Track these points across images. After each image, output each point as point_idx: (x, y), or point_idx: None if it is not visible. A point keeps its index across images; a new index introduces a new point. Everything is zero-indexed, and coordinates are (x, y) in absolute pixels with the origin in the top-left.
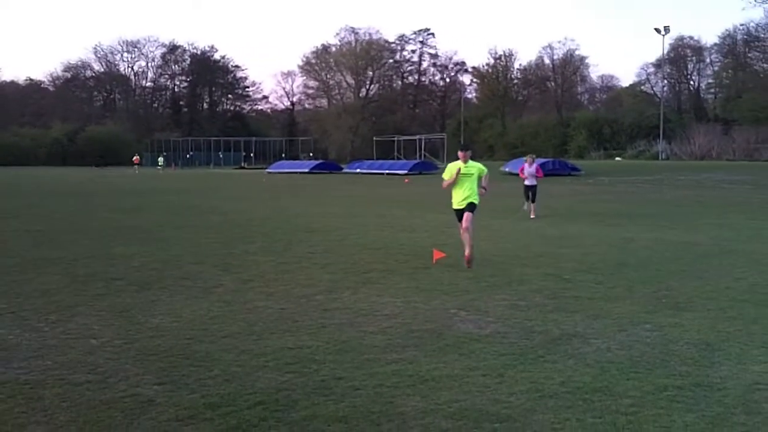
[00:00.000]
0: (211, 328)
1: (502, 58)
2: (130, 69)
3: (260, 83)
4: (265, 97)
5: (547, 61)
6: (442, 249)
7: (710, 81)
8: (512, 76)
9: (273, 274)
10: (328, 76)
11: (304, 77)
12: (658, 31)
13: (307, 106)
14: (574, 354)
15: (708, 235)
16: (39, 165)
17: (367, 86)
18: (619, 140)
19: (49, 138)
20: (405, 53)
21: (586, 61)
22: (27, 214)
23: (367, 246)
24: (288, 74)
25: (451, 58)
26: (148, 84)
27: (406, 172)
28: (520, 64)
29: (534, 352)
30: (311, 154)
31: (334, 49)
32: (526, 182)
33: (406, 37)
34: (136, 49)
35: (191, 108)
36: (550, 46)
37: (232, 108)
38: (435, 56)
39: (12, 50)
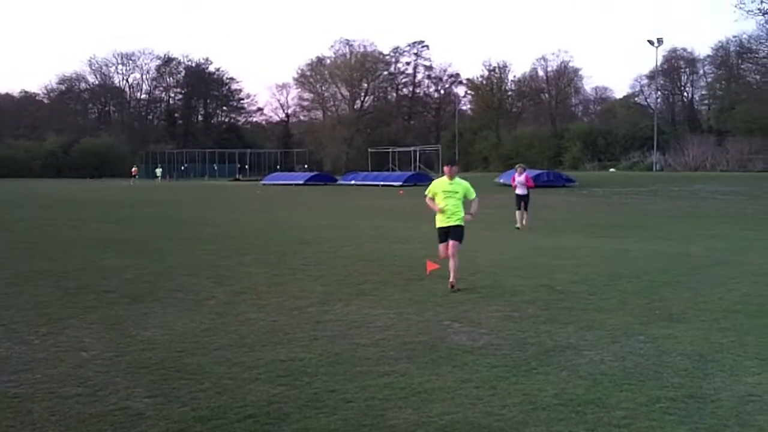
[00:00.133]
0: (203, 340)
1: (497, 70)
2: (124, 81)
3: (255, 95)
4: (260, 109)
5: (541, 72)
6: (436, 261)
7: (704, 92)
8: (506, 87)
9: (266, 286)
10: (323, 88)
11: (299, 89)
12: (651, 43)
13: (302, 118)
14: (567, 366)
15: (701, 246)
16: (34, 177)
17: (362, 98)
18: (613, 151)
19: (43, 150)
20: (399, 65)
21: (580, 72)
22: (20, 226)
23: (361, 258)
24: (283, 86)
25: (445, 70)
26: (143, 96)
27: (400, 183)
28: (514, 76)
29: (527, 364)
30: (306, 166)
31: (328, 61)
32: (517, 191)
33: (401, 49)
34: (130, 62)
35: (186, 120)
36: (544, 58)
37: (226, 120)
38: (429, 68)
39: (7, 63)
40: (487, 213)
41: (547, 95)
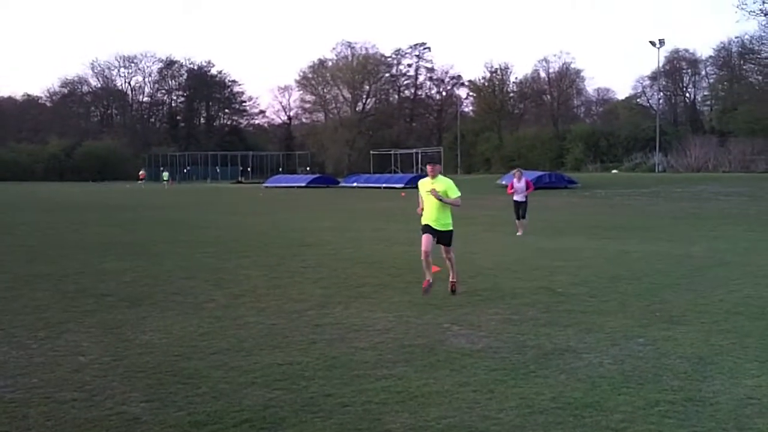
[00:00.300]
0: (201, 344)
1: (498, 72)
2: (127, 84)
3: (257, 98)
4: (262, 112)
5: (543, 74)
6: (436, 263)
7: (706, 93)
8: (508, 89)
9: (265, 289)
10: (325, 90)
11: (301, 91)
12: (653, 44)
13: (304, 120)
14: (566, 369)
15: (703, 248)
16: (36, 180)
17: (364, 100)
18: (615, 153)
19: (46, 153)
20: (401, 67)
21: (582, 74)
22: (22, 229)
23: (361, 260)
24: (285, 89)
25: (447, 72)
26: (145, 99)
27: (402, 185)
28: (516, 78)
29: (525, 367)
30: (308, 168)
31: (330, 63)
32: (516, 198)
33: (403, 51)
34: (133, 65)
35: (188, 123)
36: (546, 60)
37: (229, 122)
38: (431, 70)
39: (9, 66)
40: (488, 215)
41: (549, 97)
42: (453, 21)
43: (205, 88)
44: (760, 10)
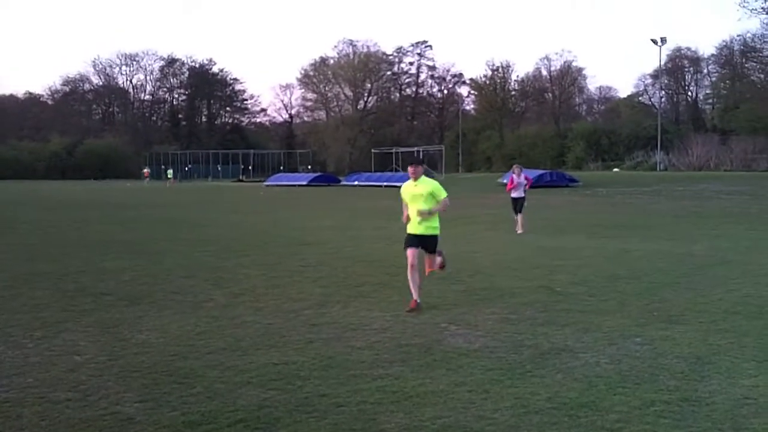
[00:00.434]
0: (197, 344)
1: (500, 70)
2: (128, 82)
3: (259, 96)
4: (264, 110)
5: (544, 72)
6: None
7: (708, 91)
8: (510, 87)
9: (264, 288)
10: (327, 88)
11: (303, 90)
12: (654, 42)
13: (305, 118)
14: (563, 368)
15: (704, 246)
16: (38, 178)
17: (365, 98)
18: (617, 151)
19: (47, 151)
20: (403, 65)
21: (584, 72)
22: (23, 228)
23: (361, 259)
24: (286, 87)
25: (448, 70)
26: (147, 97)
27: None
28: (517, 76)
29: (522, 367)
30: (309, 167)
31: (332, 61)
32: (514, 194)
33: (404, 49)
34: (134, 63)
35: (190, 121)
36: (548, 58)
37: (230, 121)
38: (433, 68)
39: (11, 64)
40: (490, 213)
41: (550, 95)
42: (455, 19)
43: (207, 86)
44: (762, 8)
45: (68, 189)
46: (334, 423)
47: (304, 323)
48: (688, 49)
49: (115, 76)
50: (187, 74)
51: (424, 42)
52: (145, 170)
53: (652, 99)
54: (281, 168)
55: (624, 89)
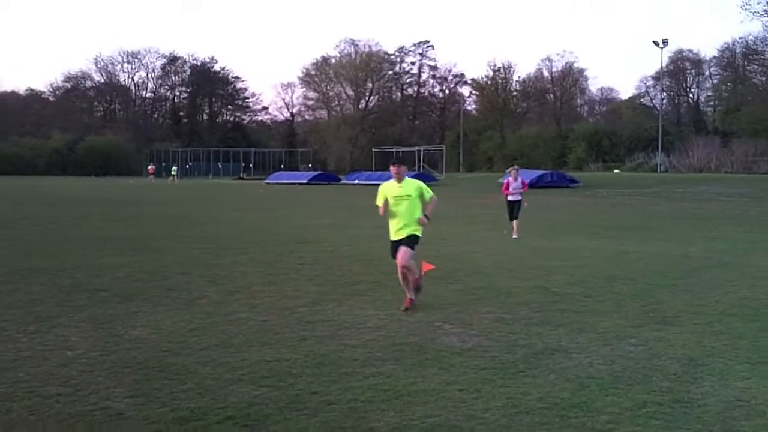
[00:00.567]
0: (190, 340)
1: (501, 71)
2: (130, 79)
3: (260, 94)
4: (265, 108)
5: (546, 73)
6: (432, 261)
7: (709, 94)
8: (511, 88)
9: (259, 286)
10: (328, 87)
11: (304, 88)
12: (656, 44)
13: (306, 117)
14: (555, 369)
15: (702, 248)
16: (39, 175)
17: (367, 98)
18: (618, 152)
19: (48, 148)
20: (404, 65)
21: (585, 73)
22: (22, 223)
23: (358, 257)
24: (288, 85)
25: (450, 70)
26: (148, 94)
27: None
28: (519, 77)
29: (515, 367)
30: (310, 165)
31: (333, 60)
32: (510, 198)
33: (406, 49)
34: (136, 60)
35: (191, 119)
36: (549, 59)
37: (231, 119)
38: (434, 68)
39: (13, 60)
40: (490, 213)
41: (552, 96)
42: (456, 19)
43: (208, 84)
44: (765, 11)
45: (69, 185)
46: (324, 421)
47: (299, 321)
48: (690, 51)
49: (116, 73)
50: (188, 72)
51: (426, 42)
52: (150, 167)
53: (653, 101)
54: (282, 166)
55: (625, 91)
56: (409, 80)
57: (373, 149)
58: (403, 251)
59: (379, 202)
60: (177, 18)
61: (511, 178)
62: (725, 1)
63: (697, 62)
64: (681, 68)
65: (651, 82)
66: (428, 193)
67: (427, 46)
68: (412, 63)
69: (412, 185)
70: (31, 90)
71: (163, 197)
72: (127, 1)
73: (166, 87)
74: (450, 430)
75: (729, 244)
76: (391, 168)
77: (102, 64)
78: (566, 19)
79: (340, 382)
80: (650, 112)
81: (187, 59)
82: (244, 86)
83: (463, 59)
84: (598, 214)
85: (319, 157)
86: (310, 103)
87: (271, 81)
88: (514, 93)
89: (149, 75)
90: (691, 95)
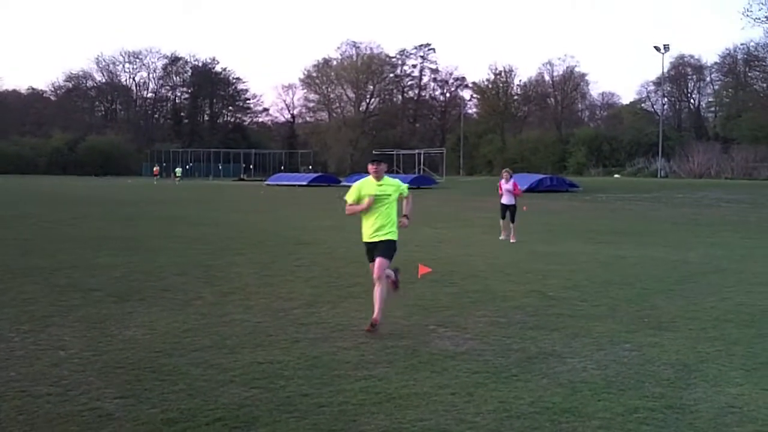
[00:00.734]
0: (184, 341)
1: (502, 74)
2: (131, 80)
3: (261, 96)
4: (266, 110)
5: (547, 77)
6: (429, 264)
7: (710, 100)
8: (512, 92)
9: (255, 287)
10: (329, 89)
11: (305, 90)
12: (657, 49)
13: (307, 119)
14: (548, 373)
15: (700, 254)
16: (39, 174)
17: (368, 100)
18: (618, 157)
19: (49, 147)
20: (406, 68)
21: (586, 78)
22: (21, 222)
23: (355, 260)
24: (289, 87)
25: (451, 74)
26: (149, 95)
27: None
28: (520, 80)
29: (508, 371)
30: (311, 167)
31: (335, 62)
32: (503, 200)
33: (407, 51)
34: (137, 60)
35: (192, 119)
36: (550, 63)
37: (232, 120)
38: (435, 71)
39: (14, 59)
40: (488, 217)
41: (552, 100)
42: (458, 23)
43: (210, 85)
44: (766, 17)
45: (69, 185)
46: (314, 423)
47: (293, 322)
48: (691, 56)
49: (118, 73)
50: (189, 73)
51: (427, 45)
52: (155, 168)
53: (654, 106)
54: (282, 168)
55: (626, 96)
56: (410, 83)
57: (374, 151)
58: (379, 264)
59: (350, 198)
60: (178, 18)
61: (502, 181)
62: (727, 8)
63: (699, 68)
64: (682, 74)
65: (652, 88)
66: (405, 191)
67: (429, 49)
68: (413, 66)
69: (391, 185)
70: (33, 89)
71: (163, 197)
72: (128, 1)
73: (168, 87)
74: None
75: (727, 249)
76: (370, 166)
77: (103, 63)
78: (568, 23)
79: (331, 385)
80: (651, 118)
81: (188, 60)
82: (245, 87)
83: (464, 63)
84: (598, 218)
85: (320, 158)
86: (311, 104)
87: (272, 82)
88: (515, 97)
89: (150, 75)
90: (692, 101)
